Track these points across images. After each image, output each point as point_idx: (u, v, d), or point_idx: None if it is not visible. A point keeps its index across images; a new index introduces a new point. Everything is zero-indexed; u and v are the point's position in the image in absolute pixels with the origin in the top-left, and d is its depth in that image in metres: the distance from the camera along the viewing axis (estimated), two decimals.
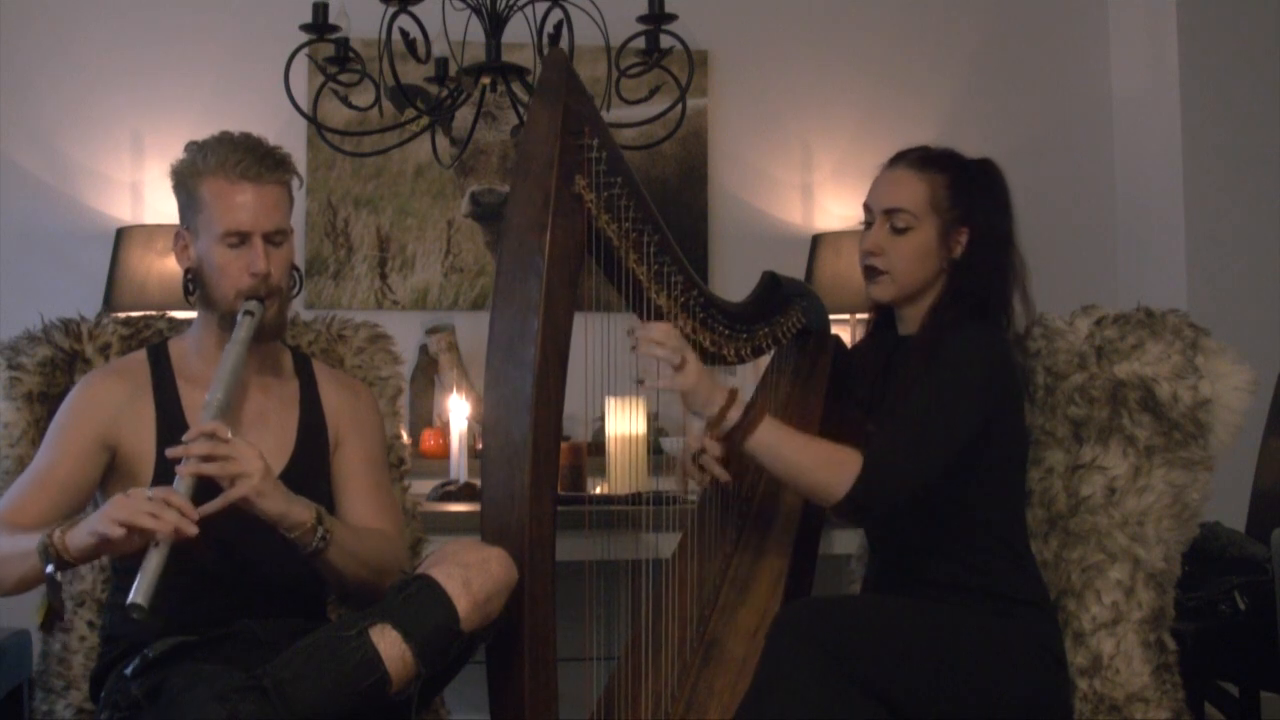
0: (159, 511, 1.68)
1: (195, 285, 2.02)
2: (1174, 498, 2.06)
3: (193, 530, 1.70)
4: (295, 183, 2.05)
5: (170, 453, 1.81)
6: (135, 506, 1.69)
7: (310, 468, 2.06)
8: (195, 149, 1.99)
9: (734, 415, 1.94)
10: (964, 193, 2.08)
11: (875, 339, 2.22)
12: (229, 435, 1.81)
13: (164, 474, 1.93)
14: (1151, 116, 4.14)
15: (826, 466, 1.93)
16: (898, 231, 2.08)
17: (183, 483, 1.77)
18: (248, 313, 1.95)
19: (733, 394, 1.95)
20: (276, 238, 1.99)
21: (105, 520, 1.68)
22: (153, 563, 1.68)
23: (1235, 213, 3.98)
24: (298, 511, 1.85)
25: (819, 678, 1.80)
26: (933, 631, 1.93)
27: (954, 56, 4.31)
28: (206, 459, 1.78)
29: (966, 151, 2.16)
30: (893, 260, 2.09)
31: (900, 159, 2.13)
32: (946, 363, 1.98)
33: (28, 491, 1.93)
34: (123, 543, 1.69)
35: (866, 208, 2.14)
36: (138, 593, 1.66)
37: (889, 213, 2.09)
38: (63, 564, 1.74)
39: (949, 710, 1.90)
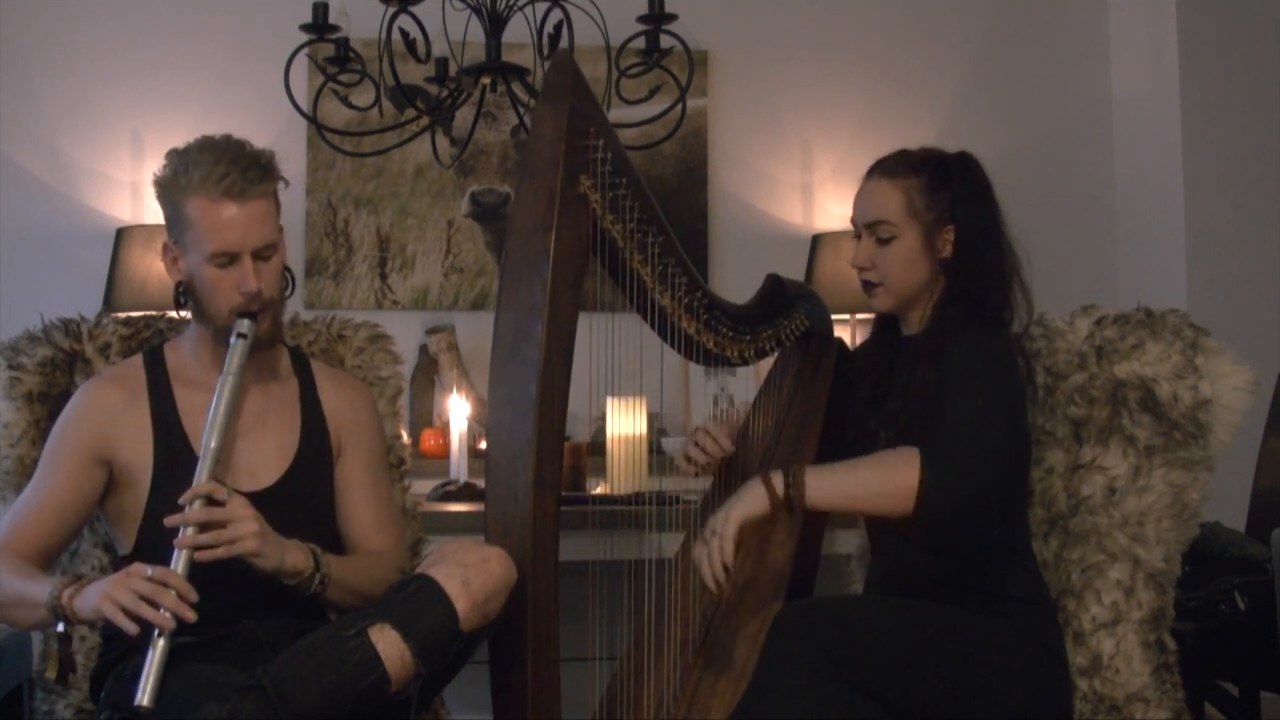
0: (158, 598, 1.71)
1: (187, 297, 2.02)
2: (1174, 498, 2.06)
3: (192, 616, 1.73)
4: (281, 184, 2.01)
5: (169, 521, 1.82)
6: (137, 590, 1.71)
7: (312, 470, 2.06)
8: (177, 160, 1.96)
9: (779, 488, 1.91)
10: (941, 191, 2.07)
11: (879, 339, 2.22)
12: (225, 495, 1.83)
13: (162, 479, 1.95)
14: (1151, 116, 4.14)
15: (886, 475, 1.89)
16: (883, 243, 2.08)
17: (181, 558, 1.78)
18: (240, 335, 1.94)
19: (765, 480, 1.92)
20: (265, 252, 1.96)
21: (109, 604, 1.71)
22: (155, 659, 1.72)
23: (1235, 213, 3.98)
24: (293, 560, 1.87)
25: (817, 678, 1.80)
26: (932, 631, 1.93)
27: (954, 56, 4.31)
28: (203, 527, 1.80)
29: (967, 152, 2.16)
30: (884, 272, 2.09)
31: (875, 169, 2.13)
32: (961, 373, 1.95)
33: (28, 518, 1.95)
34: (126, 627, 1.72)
35: (853, 224, 2.15)
36: (144, 694, 1.70)
37: (870, 226, 2.10)
38: (71, 623, 1.78)
39: (948, 710, 1.90)
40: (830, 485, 1.92)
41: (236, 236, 1.93)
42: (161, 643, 1.72)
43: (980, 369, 1.96)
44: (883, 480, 1.90)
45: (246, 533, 1.81)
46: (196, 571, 1.81)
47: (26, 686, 2.30)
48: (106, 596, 1.71)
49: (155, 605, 1.71)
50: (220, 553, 1.80)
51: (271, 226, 1.98)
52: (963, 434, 1.89)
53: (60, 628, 1.78)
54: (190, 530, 1.80)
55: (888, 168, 2.11)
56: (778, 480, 1.92)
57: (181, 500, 1.82)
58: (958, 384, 1.95)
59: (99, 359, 2.23)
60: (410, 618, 1.73)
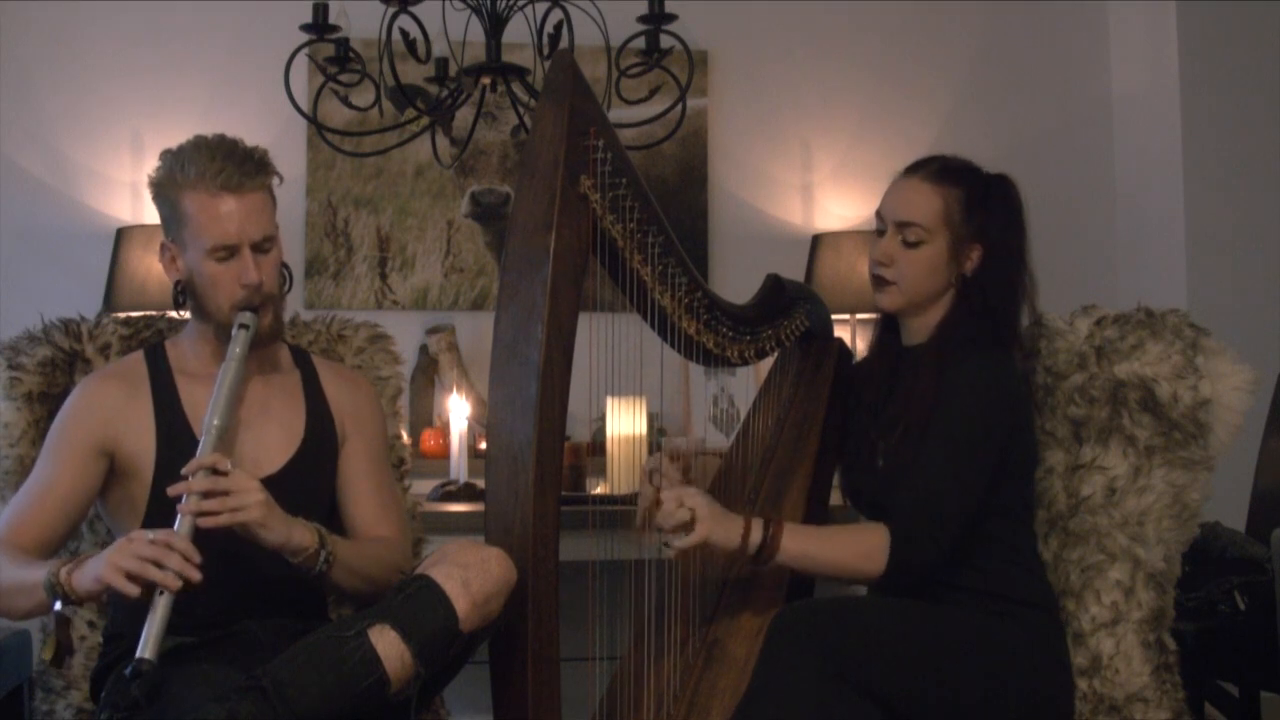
0: (163, 559, 1.69)
1: (186, 296, 2.01)
2: (1174, 498, 2.06)
3: (196, 576, 1.71)
4: (276, 180, 2.01)
5: (171, 490, 1.81)
6: (140, 554, 1.69)
7: (317, 457, 2.07)
8: (171, 159, 1.97)
9: (755, 538, 1.94)
10: (979, 209, 2.07)
11: (882, 346, 2.21)
12: (229, 466, 1.82)
13: (165, 469, 1.95)
14: (1151, 116, 4.14)
15: (856, 557, 1.95)
16: (909, 245, 2.08)
17: (184, 523, 1.77)
18: (242, 326, 1.94)
19: (747, 522, 1.95)
20: (265, 245, 1.97)
21: (111, 569, 1.69)
22: (158, 615, 1.70)
23: (1235, 213, 3.98)
24: (299, 537, 1.86)
25: (817, 679, 1.80)
26: (932, 633, 1.93)
27: (954, 57, 4.31)
28: (207, 495, 1.79)
29: (966, 152, 2.15)
30: (902, 271, 2.08)
31: (917, 169, 2.12)
32: (953, 410, 1.98)
33: (27, 510, 1.93)
34: (128, 590, 1.70)
35: (879, 216, 2.13)
36: (145, 648, 1.68)
37: (901, 225, 2.08)
38: (69, 602, 1.76)
39: (949, 712, 1.90)
40: (801, 553, 1.96)
41: (235, 228, 1.94)
42: (164, 600, 1.70)
43: (969, 409, 1.98)
44: (851, 565, 1.96)
45: (251, 501, 1.80)
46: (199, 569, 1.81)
47: (26, 687, 2.30)
48: (109, 563, 1.69)
49: (160, 566, 1.69)
50: (224, 520, 1.78)
51: (269, 220, 1.99)
52: (928, 503, 1.94)
53: (57, 606, 1.75)
54: (194, 498, 1.78)
55: (931, 172, 2.10)
56: (756, 530, 1.94)
57: (184, 471, 1.81)
58: (942, 426, 1.97)
59: (99, 359, 2.23)
60: (410, 618, 1.73)
